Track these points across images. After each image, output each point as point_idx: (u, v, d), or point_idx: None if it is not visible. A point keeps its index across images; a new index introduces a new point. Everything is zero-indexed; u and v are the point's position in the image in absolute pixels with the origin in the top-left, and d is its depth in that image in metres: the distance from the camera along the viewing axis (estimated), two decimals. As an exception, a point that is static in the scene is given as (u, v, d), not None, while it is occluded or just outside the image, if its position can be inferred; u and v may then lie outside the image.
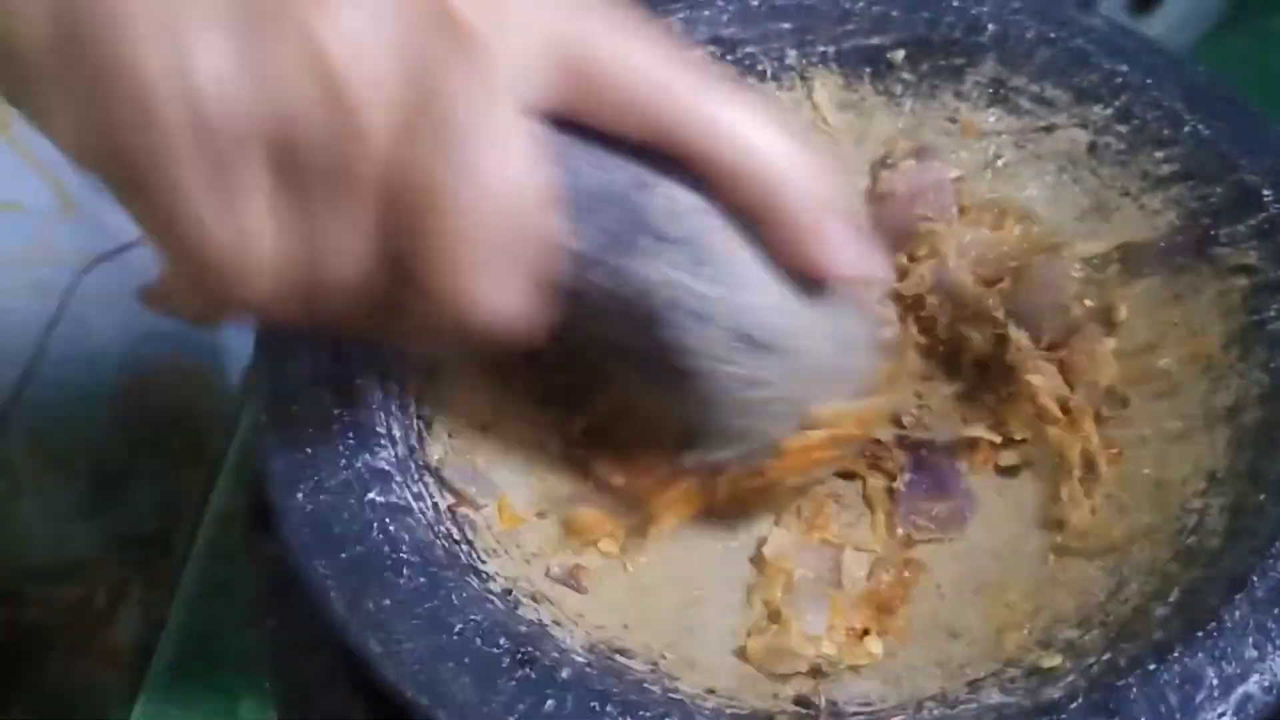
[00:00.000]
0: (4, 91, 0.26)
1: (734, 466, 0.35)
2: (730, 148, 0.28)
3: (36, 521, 0.63)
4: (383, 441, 0.34)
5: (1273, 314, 0.37)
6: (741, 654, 0.35)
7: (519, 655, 0.30)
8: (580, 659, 0.32)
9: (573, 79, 0.27)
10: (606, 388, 0.37)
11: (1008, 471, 0.39)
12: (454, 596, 0.31)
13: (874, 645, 0.35)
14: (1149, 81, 0.41)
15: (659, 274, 0.30)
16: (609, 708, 0.29)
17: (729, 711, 0.31)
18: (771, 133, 0.29)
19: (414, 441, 0.36)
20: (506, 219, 0.26)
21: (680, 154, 0.29)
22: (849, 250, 0.30)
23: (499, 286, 0.27)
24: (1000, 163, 0.44)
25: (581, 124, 0.28)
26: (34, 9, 0.24)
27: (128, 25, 0.23)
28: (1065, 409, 0.39)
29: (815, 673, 0.34)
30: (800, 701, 0.33)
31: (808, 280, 0.31)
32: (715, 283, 0.31)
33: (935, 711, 0.32)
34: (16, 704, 0.63)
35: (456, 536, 0.34)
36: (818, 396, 0.34)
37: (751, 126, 0.29)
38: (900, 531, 0.38)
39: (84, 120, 0.25)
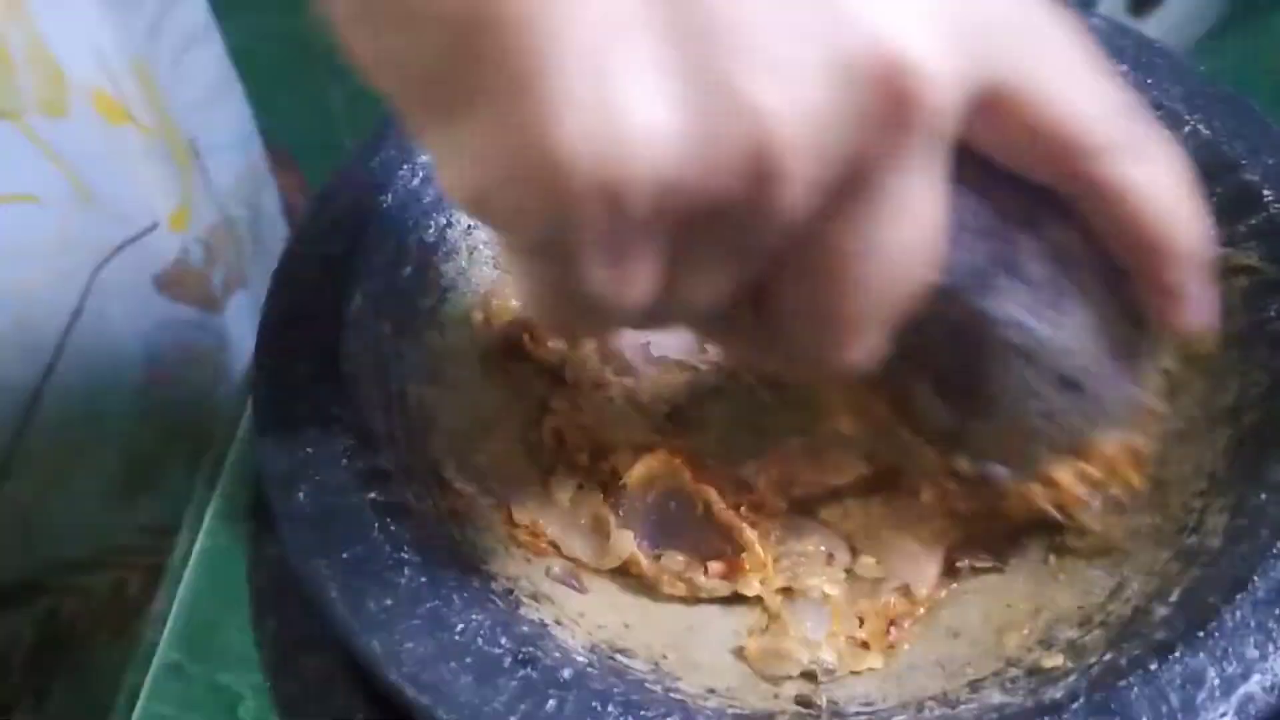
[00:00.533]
0: (406, 119, 0.24)
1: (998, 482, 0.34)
2: (1132, 196, 0.27)
3: (67, 513, 0.63)
4: (384, 441, 0.34)
5: (1273, 314, 0.37)
6: (741, 654, 0.35)
7: (520, 655, 0.30)
8: (581, 659, 0.32)
9: (990, 112, 0.25)
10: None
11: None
12: (455, 596, 0.31)
13: (875, 659, 0.35)
14: (1148, 81, 0.41)
15: (1004, 313, 0.30)
16: (610, 708, 0.29)
17: (730, 711, 0.31)
18: (1173, 184, 0.28)
19: (415, 441, 0.36)
20: (901, 288, 0.25)
21: (1074, 194, 0.28)
22: (1205, 310, 0.30)
23: (867, 348, 0.26)
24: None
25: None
26: (429, 23, 0.21)
27: (548, 46, 0.20)
28: None
29: (810, 677, 0.34)
30: (801, 701, 0.33)
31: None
32: (1053, 326, 0.30)
33: (936, 711, 0.32)
34: (59, 694, 0.63)
35: (457, 536, 0.34)
36: (1098, 432, 0.34)
37: (1156, 175, 0.28)
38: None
39: (479, 159, 0.22)
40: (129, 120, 0.58)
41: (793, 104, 0.21)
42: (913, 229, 0.24)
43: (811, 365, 0.27)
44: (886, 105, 0.21)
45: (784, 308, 0.25)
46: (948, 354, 0.31)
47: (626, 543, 0.36)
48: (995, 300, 0.29)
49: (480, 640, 0.30)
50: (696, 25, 0.20)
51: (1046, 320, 0.30)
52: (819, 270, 0.24)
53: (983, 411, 0.32)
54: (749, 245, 0.23)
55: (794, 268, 0.24)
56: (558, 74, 0.20)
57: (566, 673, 0.30)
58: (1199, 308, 0.30)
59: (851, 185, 0.22)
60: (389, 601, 0.31)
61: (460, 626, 0.30)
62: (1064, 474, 0.34)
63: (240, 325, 0.69)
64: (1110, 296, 0.30)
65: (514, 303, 0.41)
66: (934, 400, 0.32)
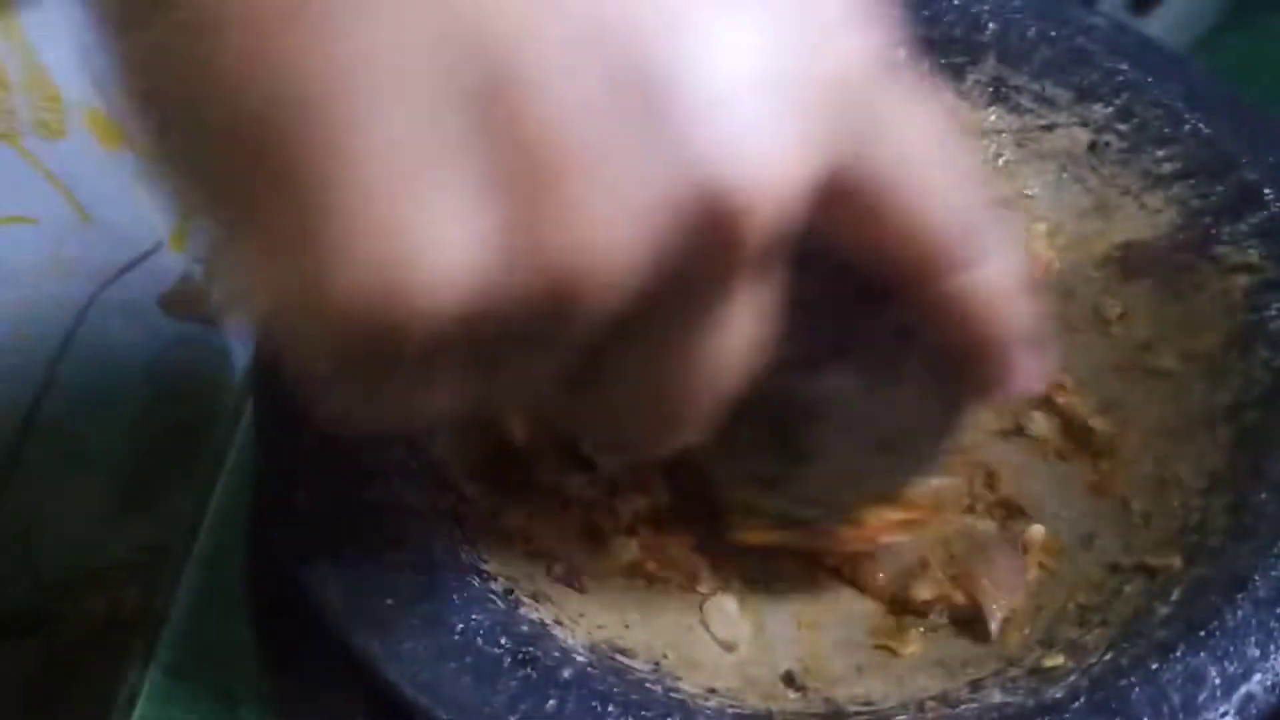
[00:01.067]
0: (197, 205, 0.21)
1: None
2: (960, 306, 0.26)
3: (61, 535, 0.63)
4: (383, 440, 0.34)
5: (1274, 312, 0.37)
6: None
7: (520, 655, 0.30)
8: (582, 659, 0.32)
9: (832, 197, 0.22)
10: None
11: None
12: (455, 596, 0.31)
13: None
14: (1150, 80, 0.41)
15: (829, 389, 0.30)
16: (610, 708, 0.29)
17: (731, 711, 0.31)
18: (1005, 292, 0.27)
19: (415, 441, 0.36)
20: (724, 384, 0.24)
21: (905, 293, 0.26)
22: (1028, 379, 0.29)
23: (691, 432, 0.25)
24: (1001, 161, 0.44)
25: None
26: (216, 125, 0.19)
27: (342, 170, 0.18)
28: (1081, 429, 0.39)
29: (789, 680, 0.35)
30: (786, 679, 0.34)
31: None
32: (877, 403, 0.30)
33: (937, 711, 0.32)
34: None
35: (457, 535, 0.34)
36: (910, 483, 0.35)
37: (988, 284, 0.26)
38: None
39: (262, 284, 0.20)
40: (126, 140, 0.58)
41: (605, 243, 0.19)
42: (736, 337, 0.23)
43: (635, 447, 0.26)
44: (712, 238, 0.20)
45: (605, 393, 0.24)
46: (772, 418, 0.31)
47: (629, 551, 0.36)
48: (822, 378, 0.30)
49: (480, 640, 0.30)
50: (513, 156, 0.19)
51: (873, 398, 0.30)
52: (639, 366, 0.23)
53: (802, 462, 0.32)
54: (556, 348, 0.22)
55: (613, 360, 0.23)
56: (347, 202, 0.19)
57: (566, 672, 0.30)
58: (1020, 381, 0.29)
59: (671, 298, 0.21)
60: (388, 601, 0.31)
61: (460, 626, 0.30)
62: (872, 517, 0.35)
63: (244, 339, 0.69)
64: (934, 369, 0.30)
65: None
66: (756, 447, 0.33)
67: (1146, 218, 0.41)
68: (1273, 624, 0.30)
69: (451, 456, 0.37)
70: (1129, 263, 0.41)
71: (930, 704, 0.32)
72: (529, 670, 0.30)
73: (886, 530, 0.35)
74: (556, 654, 0.31)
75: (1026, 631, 0.34)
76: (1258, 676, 0.29)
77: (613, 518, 0.37)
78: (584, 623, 0.34)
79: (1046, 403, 0.40)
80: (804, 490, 0.34)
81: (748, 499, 0.35)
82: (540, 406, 0.26)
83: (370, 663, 0.30)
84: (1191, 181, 0.40)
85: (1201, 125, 0.40)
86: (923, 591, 0.35)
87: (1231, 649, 0.30)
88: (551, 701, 0.29)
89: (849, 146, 0.22)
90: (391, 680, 0.30)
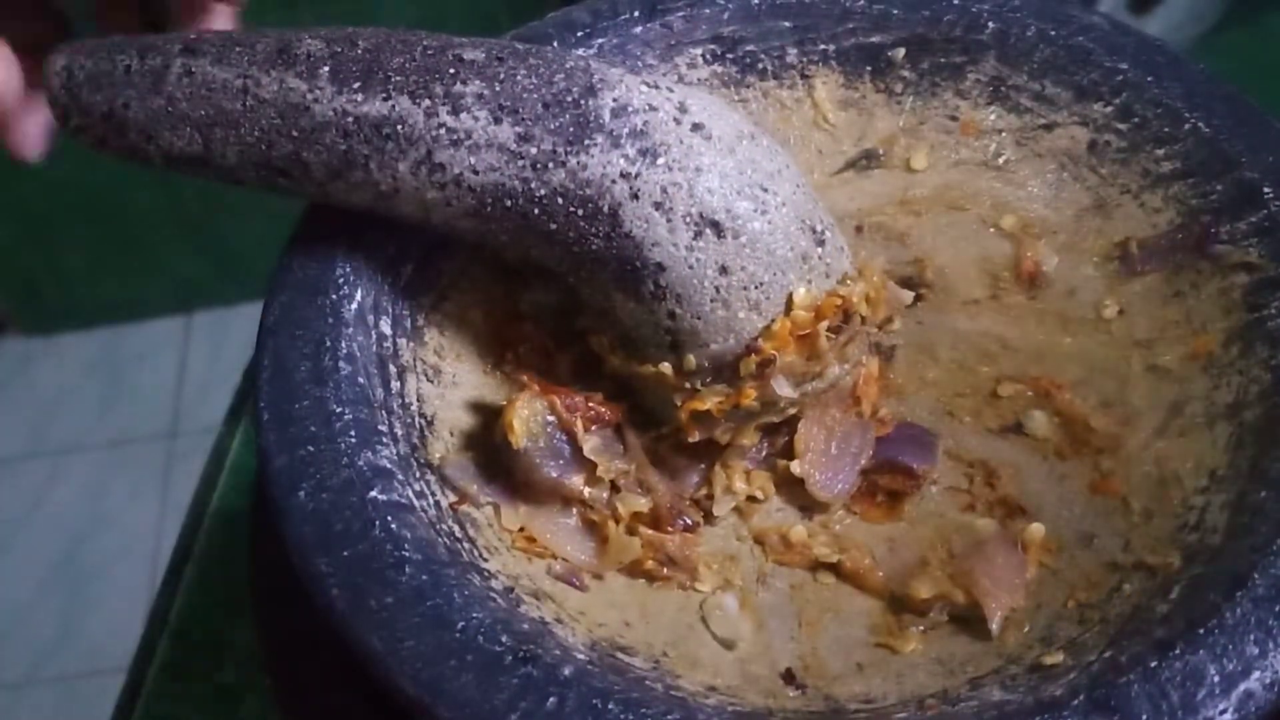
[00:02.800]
0: None
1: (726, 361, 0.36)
2: None
3: None
4: (384, 440, 0.34)
5: (1273, 311, 0.37)
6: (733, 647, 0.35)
7: (521, 653, 0.30)
8: (582, 656, 0.32)
9: None
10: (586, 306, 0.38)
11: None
12: (456, 594, 0.31)
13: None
14: (1149, 79, 0.41)
15: (615, 168, 0.34)
16: (611, 705, 0.29)
17: (730, 709, 0.31)
18: None
19: (415, 440, 0.36)
20: None
21: None
22: None
23: None
24: (1001, 160, 0.44)
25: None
26: None
27: None
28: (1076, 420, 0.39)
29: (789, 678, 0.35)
30: (786, 677, 0.34)
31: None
32: (672, 171, 0.34)
33: (936, 708, 0.32)
34: None
35: (458, 535, 0.34)
36: (791, 280, 0.36)
37: None
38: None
39: None
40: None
41: None
42: None
43: None
44: None
45: None
46: (596, 235, 0.34)
47: (630, 550, 0.36)
48: (598, 157, 0.34)
49: (481, 638, 0.30)
50: None
51: (659, 166, 0.34)
52: None
53: (664, 286, 0.35)
54: None
55: None
56: None
57: (567, 670, 0.30)
58: None
59: None
60: (389, 600, 0.31)
61: (461, 624, 0.30)
62: (778, 324, 0.36)
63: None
64: None
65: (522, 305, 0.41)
66: (629, 305, 0.36)
67: (1146, 217, 0.41)
68: (1271, 622, 0.30)
69: (452, 456, 0.37)
70: (1128, 261, 0.41)
71: (930, 701, 0.32)
72: (530, 668, 0.30)
73: (805, 334, 0.36)
74: (557, 652, 0.31)
75: (1026, 629, 0.34)
76: (1256, 674, 0.29)
77: (613, 518, 0.37)
78: (584, 621, 0.34)
79: (1046, 402, 0.40)
80: (698, 330, 0.36)
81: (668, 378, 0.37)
82: None
83: (371, 661, 0.30)
84: (1191, 180, 0.40)
85: (1201, 125, 0.40)
86: (923, 589, 0.35)
87: (1230, 647, 0.30)
88: (552, 699, 0.29)
89: None
90: (393, 679, 0.30)
